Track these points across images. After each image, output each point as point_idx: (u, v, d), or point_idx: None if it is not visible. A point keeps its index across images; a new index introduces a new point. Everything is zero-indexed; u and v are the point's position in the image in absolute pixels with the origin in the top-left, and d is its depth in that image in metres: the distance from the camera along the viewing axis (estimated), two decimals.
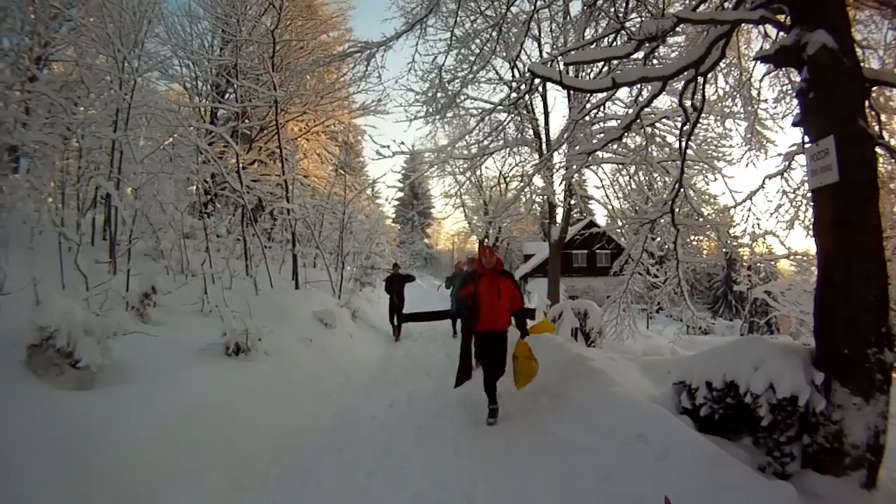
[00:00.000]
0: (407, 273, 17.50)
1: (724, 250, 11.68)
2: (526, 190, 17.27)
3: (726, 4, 6.46)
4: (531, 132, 17.98)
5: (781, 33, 5.30)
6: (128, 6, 9.68)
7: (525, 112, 17.17)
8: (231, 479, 4.76)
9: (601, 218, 32.79)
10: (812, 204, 5.01)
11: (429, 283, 46.58)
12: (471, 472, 5.36)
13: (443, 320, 16.17)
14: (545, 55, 15.54)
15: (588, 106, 10.83)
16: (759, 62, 6.07)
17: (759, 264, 11.64)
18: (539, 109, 18.05)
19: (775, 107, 9.28)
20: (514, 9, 10.16)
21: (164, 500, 4.10)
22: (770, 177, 8.17)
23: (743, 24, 6.39)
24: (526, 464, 5.53)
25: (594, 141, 12.58)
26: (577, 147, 12.52)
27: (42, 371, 4.71)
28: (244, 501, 4.57)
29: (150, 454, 4.34)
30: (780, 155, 8.20)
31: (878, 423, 4.22)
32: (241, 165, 13.42)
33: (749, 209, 9.10)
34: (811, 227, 5.27)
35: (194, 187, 13.65)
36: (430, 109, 12.48)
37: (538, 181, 16.50)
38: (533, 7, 9.55)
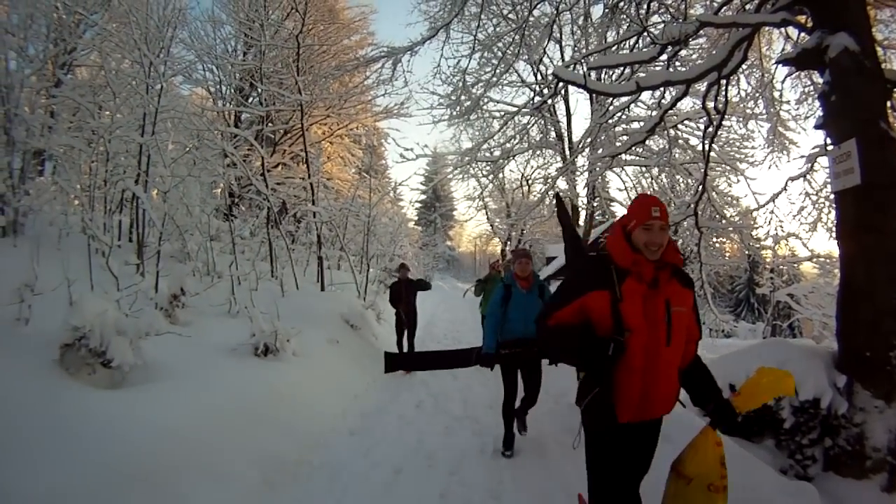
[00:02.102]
0: (419, 278, 13.00)
1: (746, 252, 11.65)
2: (549, 193, 17.29)
3: (748, 7, 6.47)
4: (554, 134, 18.01)
5: (803, 34, 5.33)
6: (153, 12, 9.86)
7: (548, 115, 17.21)
8: (262, 476, 4.83)
9: None
10: (835, 206, 5.02)
11: (451, 284, 46.40)
12: (497, 471, 5.42)
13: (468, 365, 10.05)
14: (567, 58, 15.57)
15: (611, 109, 10.86)
16: (780, 65, 6.08)
17: (781, 267, 11.62)
18: (561, 112, 18.14)
19: (797, 108, 9.29)
20: (535, 12, 10.23)
21: (198, 495, 4.17)
22: (793, 179, 8.17)
23: (764, 27, 6.39)
24: (551, 461, 5.58)
25: (617, 143, 12.58)
26: (601, 150, 12.52)
27: (74, 370, 4.78)
28: (275, 498, 4.65)
29: (183, 451, 4.42)
30: (802, 157, 8.22)
31: None
32: (265, 168, 13.57)
33: (772, 211, 9.12)
34: (834, 229, 5.29)
35: (220, 190, 13.81)
36: (454, 112, 12.58)
37: (562, 184, 16.53)
38: (555, 10, 9.60)
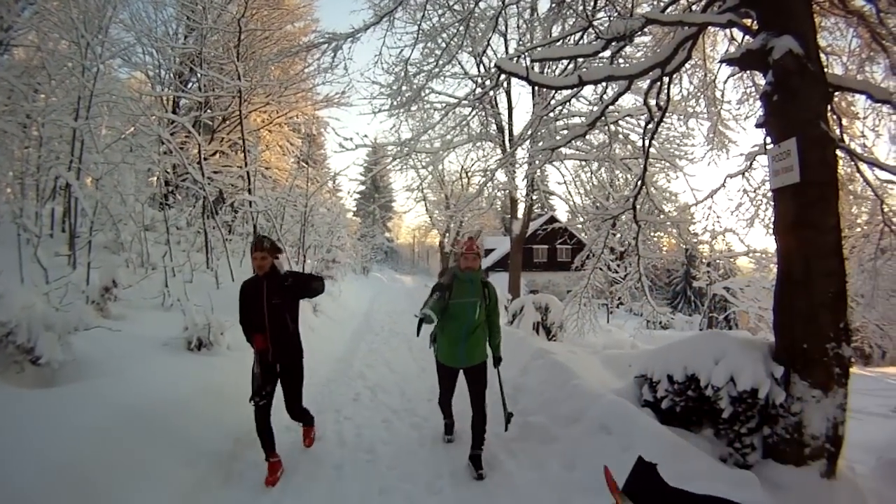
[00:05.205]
0: (296, 271, 5.65)
1: (684, 247, 11.90)
2: (488, 185, 17.39)
3: (694, 7, 6.56)
4: (495, 127, 18.14)
5: (748, 37, 5.43)
6: None
7: (489, 107, 17.31)
8: (196, 475, 4.69)
9: (563, 213, 33.01)
10: (773, 203, 5.14)
11: (389, 276, 46.15)
12: (436, 465, 5.42)
13: None
14: (511, 51, 15.64)
15: (553, 102, 10.94)
16: (724, 64, 6.19)
17: (718, 261, 11.91)
18: (503, 105, 18.29)
19: (738, 108, 9.44)
20: (482, 4, 10.22)
21: (130, 497, 4.01)
22: (731, 176, 8.32)
23: (710, 27, 6.50)
24: (490, 454, 5.56)
25: (558, 137, 12.69)
26: (541, 143, 12.62)
27: (2, 369, 4.63)
28: (209, 498, 4.56)
29: (114, 451, 4.25)
30: (741, 155, 8.37)
31: (837, 414, 4.39)
32: (202, 156, 13.23)
33: (710, 207, 9.28)
34: (771, 225, 5.42)
35: (155, 178, 13.43)
36: (395, 102, 12.47)
37: (501, 176, 16.68)
38: (501, 3, 9.60)
